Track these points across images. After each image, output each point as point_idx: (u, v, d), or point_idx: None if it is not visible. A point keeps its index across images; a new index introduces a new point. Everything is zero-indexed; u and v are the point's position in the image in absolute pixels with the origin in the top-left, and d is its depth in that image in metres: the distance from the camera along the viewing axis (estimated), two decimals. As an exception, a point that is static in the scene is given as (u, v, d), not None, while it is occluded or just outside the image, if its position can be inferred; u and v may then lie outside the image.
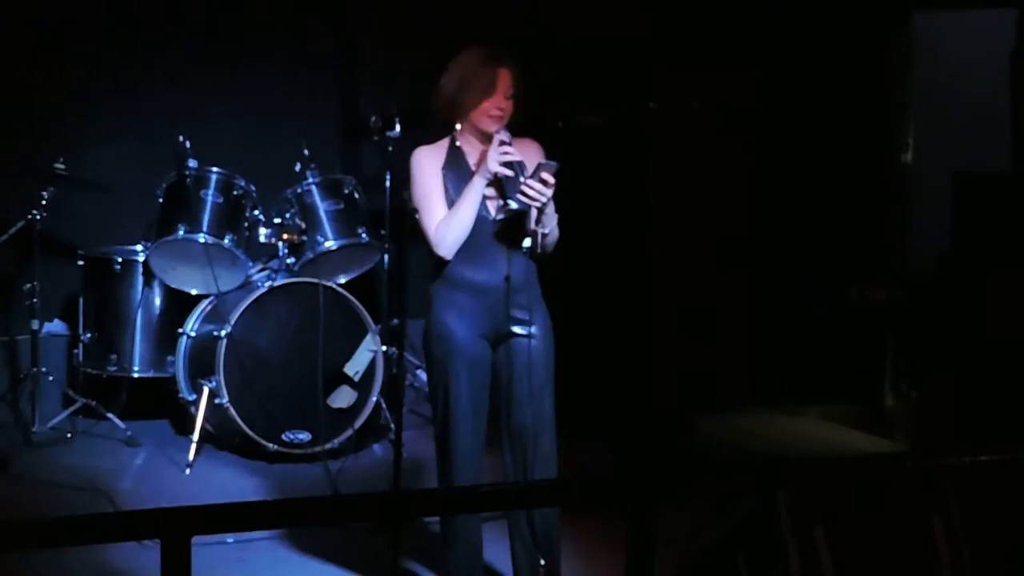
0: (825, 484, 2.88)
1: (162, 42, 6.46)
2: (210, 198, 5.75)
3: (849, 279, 5.65)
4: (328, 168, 6.09)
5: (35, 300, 5.75)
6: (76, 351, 6.05)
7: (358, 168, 6.61)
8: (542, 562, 3.85)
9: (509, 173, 3.71)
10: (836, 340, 5.74)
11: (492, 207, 3.80)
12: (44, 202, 5.71)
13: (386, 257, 5.95)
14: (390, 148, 5.62)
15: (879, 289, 5.43)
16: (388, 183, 5.66)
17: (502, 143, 3.72)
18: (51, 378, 5.87)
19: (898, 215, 5.40)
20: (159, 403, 6.08)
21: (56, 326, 6.23)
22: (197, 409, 5.60)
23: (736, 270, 6.05)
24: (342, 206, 5.89)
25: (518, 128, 3.81)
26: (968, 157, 5.03)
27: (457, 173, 3.82)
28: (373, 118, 5.75)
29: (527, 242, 3.74)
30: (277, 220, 5.85)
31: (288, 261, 5.84)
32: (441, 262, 3.80)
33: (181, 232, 5.68)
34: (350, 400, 5.71)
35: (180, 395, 5.81)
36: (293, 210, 5.86)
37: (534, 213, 3.72)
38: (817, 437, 5.31)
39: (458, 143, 3.86)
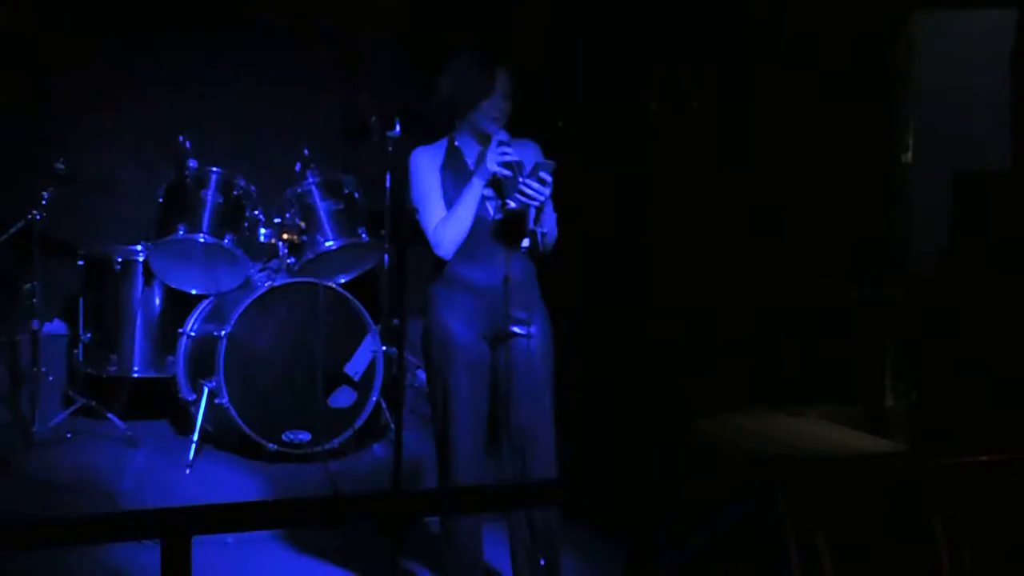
0: (825, 484, 2.88)
1: (162, 42, 6.46)
2: (210, 198, 5.75)
3: (849, 279, 5.65)
4: (328, 168, 6.09)
5: (35, 300, 5.75)
6: (76, 351, 6.05)
7: (358, 168, 6.61)
8: (542, 562, 3.85)
9: (507, 173, 3.71)
10: (836, 340, 5.74)
11: (491, 207, 3.80)
12: (44, 202, 5.71)
13: (386, 257, 5.95)
14: (390, 148, 5.62)
15: (879, 289, 5.43)
16: (388, 183, 5.66)
17: (500, 143, 3.72)
18: (51, 378, 5.87)
19: (898, 215, 5.40)
20: (159, 403, 6.08)
21: (56, 326, 6.23)
22: (197, 409, 5.60)
23: (736, 270, 6.04)
24: (342, 206, 5.89)
25: (516, 128, 3.82)
26: (968, 157, 5.03)
27: (455, 173, 3.82)
28: (373, 118, 5.75)
29: (526, 242, 3.74)
30: (277, 220, 5.85)
31: (288, 261, 5.84)
32: (439, 262, 3.80)
33: (181, 232, 5.69)
34: (350, 400, 5.71)
35: (180, 395, 5.81)
36: (293, 210, 5.86)
37: (532, 213, 3.72)
38: (817, 437, 5.30)
39: (456, 143, 3.86)
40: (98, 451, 5.72)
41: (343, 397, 5.69)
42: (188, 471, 5.46)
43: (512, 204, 3.72)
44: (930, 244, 5.09)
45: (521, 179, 3.66)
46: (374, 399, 5.74)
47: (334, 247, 5.84)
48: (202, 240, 5.69)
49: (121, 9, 6.39)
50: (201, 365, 5.68)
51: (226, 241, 5.73)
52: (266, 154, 6.30)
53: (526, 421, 3.83)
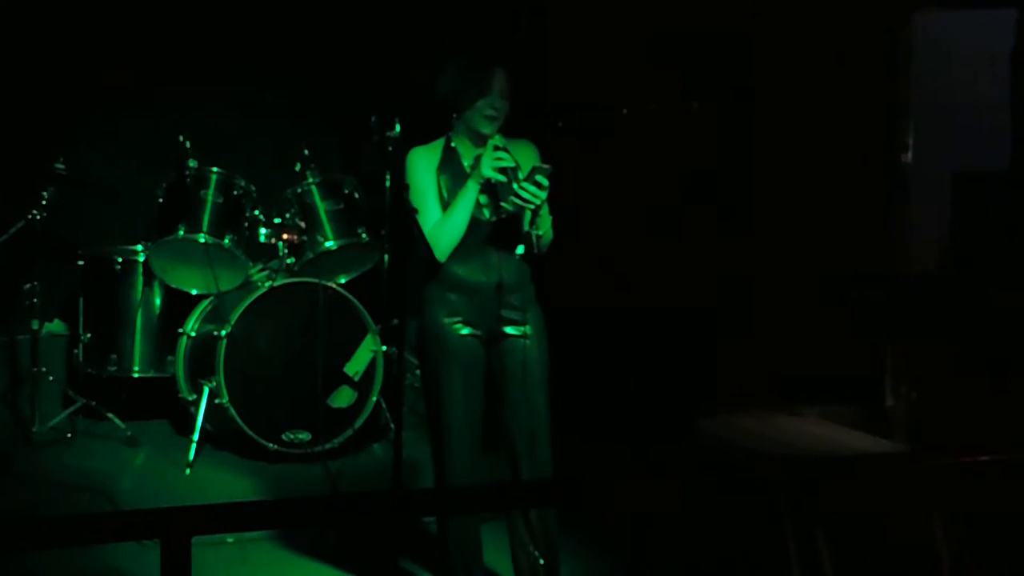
0: (825, 484, 2.88)
1: (162, 42, 6.46)
2: (210, 198, 5.76)
3: (849, 279, 5.64)
4: (328, 168, 6.09)
5: (35, 300, 5.75)
6: (76, 351, 6.05)
7: (358, 168, 6.61)
8: (541, 562, 3.85)
9: (503, 178, 3.70)
10: (836, 340, 5.73)
11: (487, 209, 3.80)
12: (44, 202, 5.72)
13: (386, 257, 5.94)
14: (390, 148, 5.61)
15: (879, 289, 5.42)
16: (388, 183, 5.65)
17: (496, 147, 3.71)
18: (51, 378, 5.88)
19: (898, 215, 5.40)
20: (159, 403, 6.09)
21: (56, 326, 6.23)
22: (197, 409, 5.60)
23: (735, 270, 6.05)
24: (342, 206, 5.89)
25: (514, 128, 3.81)
26: (968, 157, 5.03)
27: (452, 174, 3.82)
28: (373, 118, 5.75)
29: (520, 249, 3.73)
30: (277, 220, 5.85)
31: (288, 261, 5.84)
32: (435, 262, 3.80)
33: (181, 232, 5.69)
34: (350, 400, 5.71)
35: (180, 395, 5.81)
36: (293, 210, 5.86)
37: (528, 215, 3.72)
38: (817, 437, 5.30)
39: (453, 144, 3.86)
40: (98, 451, 5.73)
41: (343, 397, 5.69)
42: (188, 471, 5.46)
43: (508, 207, 3.71)
44: (930, 244, 5.09)
45: (516, 183, 3.65)
46: (374, 399, 5.74)
47: (334, 247, 5.84)
48: (202, 240, 5.69)
49: (121, 9, 6.39)
50: (201, 365, 5.68)
51: (226, 241, 5.73)
52: (266, 154, 6.30)
53: (523, 421, 3.82)
